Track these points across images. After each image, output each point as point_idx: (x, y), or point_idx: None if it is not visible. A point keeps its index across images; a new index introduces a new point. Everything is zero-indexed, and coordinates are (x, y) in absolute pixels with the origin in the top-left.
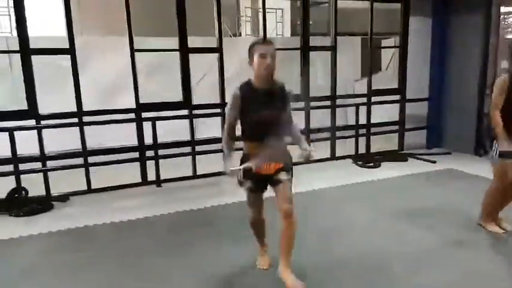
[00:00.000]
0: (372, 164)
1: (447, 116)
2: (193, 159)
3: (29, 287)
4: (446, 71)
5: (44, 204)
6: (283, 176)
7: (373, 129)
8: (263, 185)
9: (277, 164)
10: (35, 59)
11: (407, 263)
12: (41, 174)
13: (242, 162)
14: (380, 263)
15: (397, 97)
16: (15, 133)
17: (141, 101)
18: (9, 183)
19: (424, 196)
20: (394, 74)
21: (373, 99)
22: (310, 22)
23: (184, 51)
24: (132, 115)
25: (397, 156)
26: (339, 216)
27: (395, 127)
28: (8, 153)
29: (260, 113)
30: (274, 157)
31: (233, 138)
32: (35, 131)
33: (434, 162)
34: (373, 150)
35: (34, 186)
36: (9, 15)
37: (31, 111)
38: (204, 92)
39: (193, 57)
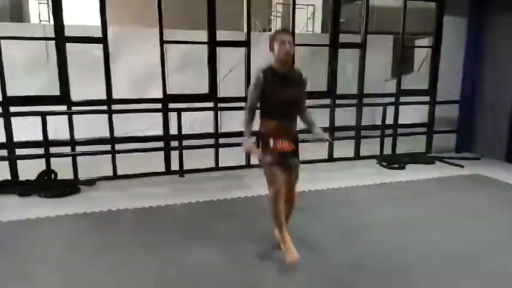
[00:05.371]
0: (396, 166)
1: (478, 120)
2: (216, 151)
3: (50, 265)
4: (480, 73)
5: (71, 187)
6: (296, 161)
7: (400, 130)
8: (281, 160)
9: (291, 145)
10: (73, 47)
11: (427, 267)
12: (70, 158)
13: (258, 140)
14: (399, 264)
15: (426, 98)
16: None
17: (170, 92)
18: (40, 165)
19: (448, 200)
20: (426, 75)
21: (402, 99)
22: (343, 20)
23: (213, 44)
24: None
25: (424, 158)
26: (361, 215)
27: (424, 129)
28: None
29: (280, 93)
30: (289, 136)
31: (252, 119)
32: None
33: (462, 166)
34: (400, 151)
35: (63, 169)
36: (48, 4)
37: (63, 97)
38: (231, 85)
39: (223, 52)
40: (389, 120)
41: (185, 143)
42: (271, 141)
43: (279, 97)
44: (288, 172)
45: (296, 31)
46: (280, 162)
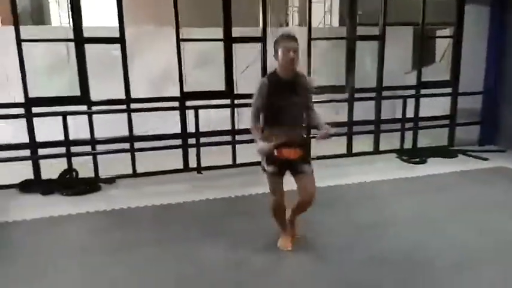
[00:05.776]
0: (417, 160)
1: (503, 111)
2: (233, 148)
3: (72, 262)
4: (503, 63)
5: (92, 185)
6: (306, 168)
7: (421, 123)
8: (284, 169)
9: (297, 151)
10: (93, 48)
11: (449, 261)
12: (90, 157)
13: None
14: (421, 259)
15: (448, 90)
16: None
17: (187, 89)
18: (62, 164)
19: (472, 194)
20: (448, 66)
21: (423, 91)
22: (360, 12)
23: (228, 41)
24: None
25: (446, 152)
26: (381, 210)
27: (446, 121)
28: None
29: (283, 101)
30: (294, 143)
31: (258, 124)
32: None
33: (486, 159)
34: (421, 145)
35: (84, 168)
36: (68, 6)
37: (83, 97)
38: (248, 81)
39: (240, 49)
40: (410, 114)
41: (202, 140)
42: (276, 150)
43: (282, 105)
44: (300, 178)
45: (313, 25)
46: (288, 169)
